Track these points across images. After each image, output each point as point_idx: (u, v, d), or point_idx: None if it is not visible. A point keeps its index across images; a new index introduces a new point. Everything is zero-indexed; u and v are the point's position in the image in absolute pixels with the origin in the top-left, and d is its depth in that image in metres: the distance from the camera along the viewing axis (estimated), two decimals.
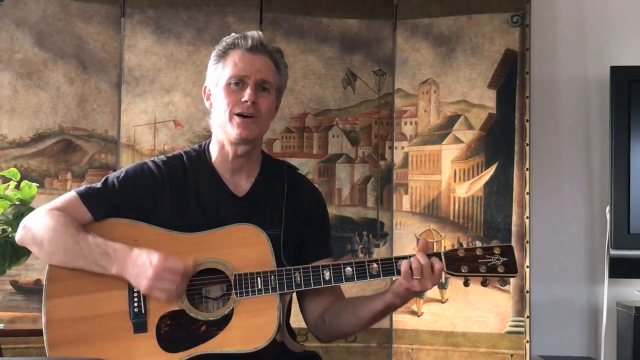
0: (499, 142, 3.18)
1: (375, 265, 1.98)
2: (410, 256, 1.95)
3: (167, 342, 1.93)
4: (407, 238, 3.25)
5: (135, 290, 1.95)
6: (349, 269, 1.98)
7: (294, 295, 2.10)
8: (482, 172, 3.19)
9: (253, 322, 1.93)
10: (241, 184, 2.11)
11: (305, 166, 3.22)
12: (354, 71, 3.30)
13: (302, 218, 2.12)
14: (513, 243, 3.06)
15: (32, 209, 2.31)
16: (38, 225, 1.99)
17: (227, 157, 2.09)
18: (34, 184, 2.55)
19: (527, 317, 3.08)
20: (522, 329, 3.08)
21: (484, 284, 2.00)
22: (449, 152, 3.22)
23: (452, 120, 3.24)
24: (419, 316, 3.20)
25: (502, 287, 3.06)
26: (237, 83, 2.04)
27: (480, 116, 3.20)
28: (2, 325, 2.56)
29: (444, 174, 3.23)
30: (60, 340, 1.94)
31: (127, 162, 3.09)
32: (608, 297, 3.17)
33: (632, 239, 3.03)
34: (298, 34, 3.27)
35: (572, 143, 3.37)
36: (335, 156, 3.29)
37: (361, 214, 3.28)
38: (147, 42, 3.20)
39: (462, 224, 3.20)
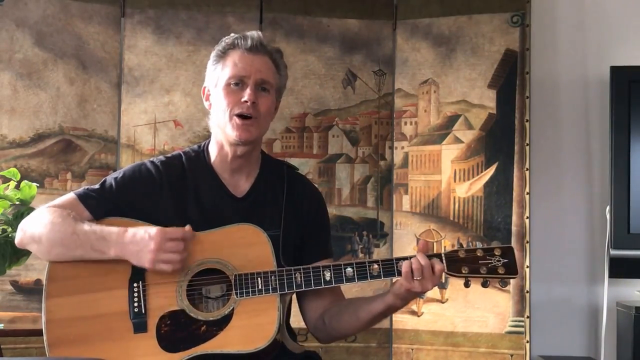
0: (499, 142, 3.18)
1: (376, 266, 1.98)
2: (410, 257, 1.95)
3: (167, 342, 1.93)
4: (407, 238, 3.24)
5: (135, 290, 1.95)
6: (349, 269, 1.98)
7: (294, 295, 2.10)
8: (482, 172, 3.19)
9: (253, 323, 1.93)
10: (240, 185, 2.11)
11: (305, 166, 3.21)
12: (354, 71, 3.30)
13: (302, 218, 2.12)
14: (513, 243, 3.06)
15: (32, 209, 2.31)
16: (35, 223, 1.99)
17: (227, 157, 2.09)
18: (34, 184, 2.55)
19: (527, 317, 3.08)
20: (522, 329, 3.08)
21: (484, 285, 2.00)
22: (449, 152, 3.22)
23: (452, 120, 3.24)
24: (419, 316, 3.20)
25: (502, 288, 3.06)
26: (237, 83, 2.04)
27: (480, 116, 3.20)
28: (2, 325, 2.55)
29: (444, 174, 3.23)
30: (60, 340, 1.93)
31: (127, 162, 3.09)
32: (608, 297, 3.17)
33: (632, 239, 3.03)
34: (298, 34, 3.27)
35: (572, 143, 3.37)
36: (335, 156, 3.29)
37: (361, 214, 3.28)
38: (147, 42, 3.20)
39: (462, 224, 3.19)
